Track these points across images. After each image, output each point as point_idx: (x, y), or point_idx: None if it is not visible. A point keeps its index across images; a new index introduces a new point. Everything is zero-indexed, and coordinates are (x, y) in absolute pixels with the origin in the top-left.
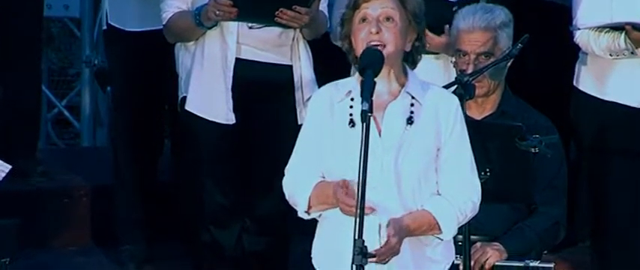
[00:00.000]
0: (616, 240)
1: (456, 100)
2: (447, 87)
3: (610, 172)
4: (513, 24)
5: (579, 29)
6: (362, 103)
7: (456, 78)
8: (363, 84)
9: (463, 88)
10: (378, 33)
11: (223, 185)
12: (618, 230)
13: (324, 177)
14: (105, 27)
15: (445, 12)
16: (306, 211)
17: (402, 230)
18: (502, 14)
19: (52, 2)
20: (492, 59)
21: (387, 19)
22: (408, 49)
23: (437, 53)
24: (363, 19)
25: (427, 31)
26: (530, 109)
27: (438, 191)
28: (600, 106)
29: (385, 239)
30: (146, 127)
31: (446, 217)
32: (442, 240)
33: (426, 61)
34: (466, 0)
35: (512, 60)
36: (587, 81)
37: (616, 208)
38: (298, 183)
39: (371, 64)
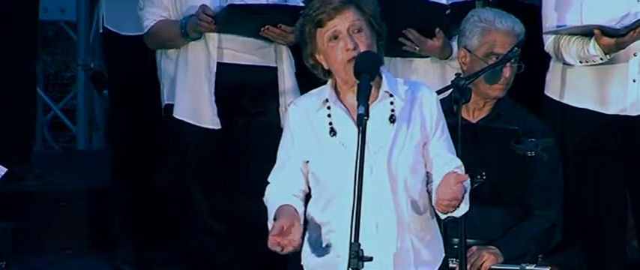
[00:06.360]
0: (603, 241)
1: (433, 90)
2: (442, 91)
3: (586, 177)
4: None
5: (549, 35)
6: (358, 106)
7: (452, 81)
8: (358, 87)
9: (459, 92)
10: (355, 48)
11: (212, 190)
12: (606, 233)
13: (308, 189)
14: (101, 30)
15: (437, 15)
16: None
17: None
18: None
19: (48, 5)
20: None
21: (358, 30)
22: (375, 50)
23: (427, 57)
24: (335, 37)
25: (418, 35)
26: (526, 113)
27: (432, 177)
28: (568, 112)
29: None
30: (143, 130)
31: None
32: (445, 221)
33: (422, 64)
34: (459, 3)
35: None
36: (556, 88)
37: (594, 211)
38: (272, 197)
39: (367, 67)
